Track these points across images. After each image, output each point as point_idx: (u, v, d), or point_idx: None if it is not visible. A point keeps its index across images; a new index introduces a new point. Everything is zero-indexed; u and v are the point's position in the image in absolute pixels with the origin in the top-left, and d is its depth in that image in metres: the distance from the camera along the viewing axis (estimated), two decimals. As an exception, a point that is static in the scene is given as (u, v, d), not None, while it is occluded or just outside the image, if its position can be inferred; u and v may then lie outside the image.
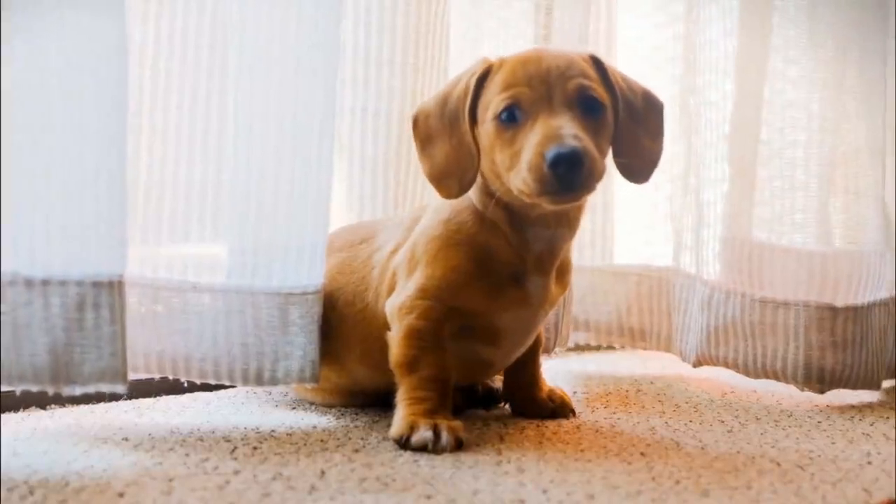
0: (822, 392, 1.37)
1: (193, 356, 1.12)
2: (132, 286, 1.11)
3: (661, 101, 1.14)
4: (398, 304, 1.09)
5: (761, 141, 1.42)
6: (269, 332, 1.13)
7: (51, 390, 0.97)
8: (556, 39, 1.41)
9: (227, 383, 1.15)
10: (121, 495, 0.85)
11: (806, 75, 1.41)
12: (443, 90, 1.11)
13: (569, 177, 0.97)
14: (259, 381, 1.13)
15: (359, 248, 1.19)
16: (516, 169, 1.01)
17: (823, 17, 1.40)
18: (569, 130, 0.98)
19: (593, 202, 1.55)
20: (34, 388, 0.97)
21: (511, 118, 1.03)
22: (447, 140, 1.08)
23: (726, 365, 1.42)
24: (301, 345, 1.13)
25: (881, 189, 1.44)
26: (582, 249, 1.55)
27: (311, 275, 1.13)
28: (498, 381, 1.28)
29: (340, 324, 1.16)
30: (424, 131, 1.10)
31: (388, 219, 1.26)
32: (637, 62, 1.59)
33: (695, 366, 1.45)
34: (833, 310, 1.36)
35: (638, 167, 1.11)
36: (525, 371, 1.22)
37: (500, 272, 1.09)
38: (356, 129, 1.35)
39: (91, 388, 0.98)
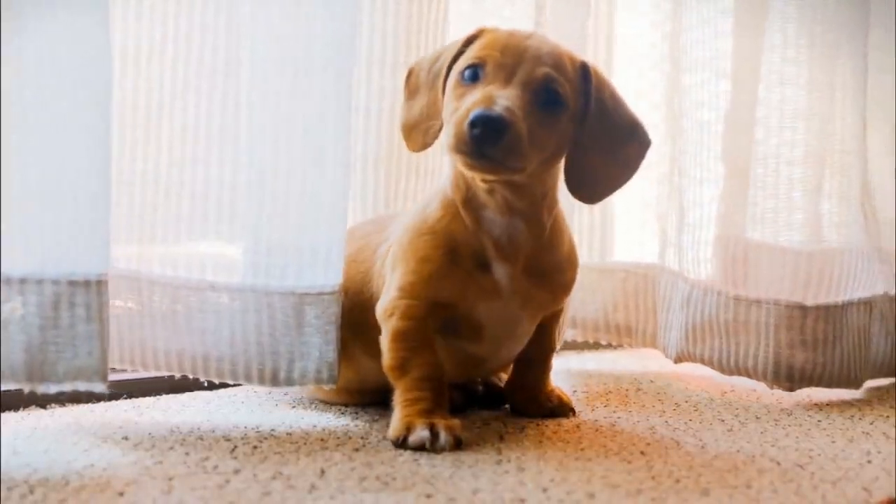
0: (791, 390, 1.37)
1: (211, 355, 1.13)
2: (152, 284, 1.12)
3: (649, 139, 1.13)
4: (383, 307, 1.10)
5: (753, 140, 1.42)
6: (285, 333, 1.13)
7: (26, 388, 0.97)
8: (553, 37, 1.41)
9: (244, 383, 1.15)
10: (121, 494, 0.85)
11: (797, 74, 1.41)
12: (440, 48, 1.14)
13: (482, 141, 0.97)
14: (275, 381, 1.13)
15: (371, 238, 1.20)
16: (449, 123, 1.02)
17: (815, 17, 1.40)
18: (503, 101, 0.99)
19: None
20: (10, 387, 0.97)
21: (473, 77, 1.04)
22: (426, 94, 1.10)
23: (703, 362, 1.43)
24: (317, 345, 1.13)
25: (859, 188, 1.44)
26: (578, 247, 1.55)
27: (328, 275, 1.13)
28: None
29: (351, 311, 1.16)
30: (414, 83, 1.13)
31: (403, 212, 1.27)
32: (636, 60, 1.59)
33: (676, 362, 1.46)
34: (803, 308, 1.36)
35: (586, 184, 1.10)
36: (531, 372, 1.21)
37: (466, 259, 1.08)
38: None
39: (67, 387, 0.98)
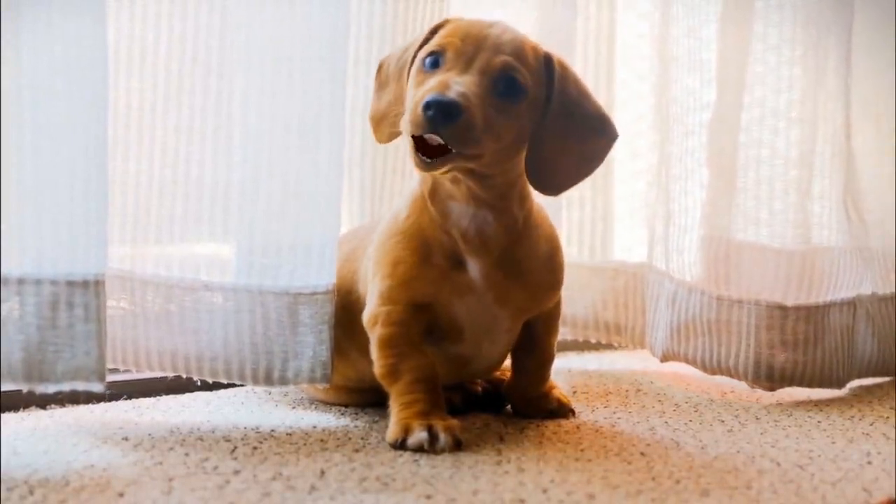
0: (771, 390, 1.38)
1: (205, 355, 1.13)
2: (146, 284, 1.12)
3: (616, 133, 1.11)
4: (367, 316, 1.10)
5: (738, 142, 1.42)
6: (279, 332, 1.13)
7: (24, 388, 0.97)
8: (549, 38, 1.40)
9: (238, 383, 1.15)
10: (121, 495, 0.85)
11: (781, 76, 1.41)
12: (410, 41, 1.13)
13: (435, 123, 0.96)
14: (269, 380, 1.14)
15: (364, 239, 1.20)
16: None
17: (797, 19, 1.41)
18: (458, 87, 0.98)
19: (583, 197, 1.56)
20: (8, 387, 0.97)
21: (433, 64, 1.04)
22: (394, 86, 1.10)
23: (687, 361, 1.44)
24: (310, 345, 1.13)
25: (843, 189, 1.44)
26: (568, 246, 1.55)
27: (321, 275, 1.13)
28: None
29: (344, 310, 1.16)
30: (383, 76, 1.13)
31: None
32: (636, 63, 1.59)
33: (662, 361, 1.47)
34: (783, 309, 1.37)
35: (544, 174, 1.08)
36: (530, 374, 1.20)
37: (439, 256, 1.08)
38: None
39: (65, 387, 0.98)
